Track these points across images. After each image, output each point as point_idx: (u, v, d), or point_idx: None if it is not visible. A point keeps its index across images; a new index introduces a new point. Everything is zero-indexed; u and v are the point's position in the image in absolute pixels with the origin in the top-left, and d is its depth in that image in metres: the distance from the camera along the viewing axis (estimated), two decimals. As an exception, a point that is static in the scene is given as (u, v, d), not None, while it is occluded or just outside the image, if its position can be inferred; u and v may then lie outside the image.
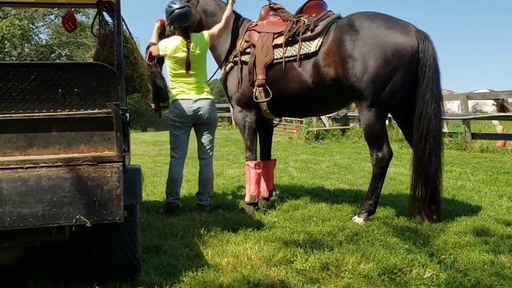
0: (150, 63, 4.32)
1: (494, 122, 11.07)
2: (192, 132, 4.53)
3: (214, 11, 4.63)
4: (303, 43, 4.00)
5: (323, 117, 14.66)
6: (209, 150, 4.50)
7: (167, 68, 4.40)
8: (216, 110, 4.54)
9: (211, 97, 4.45)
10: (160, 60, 4.53)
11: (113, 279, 2.53)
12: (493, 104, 10.38)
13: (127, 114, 2.72)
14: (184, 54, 4.27)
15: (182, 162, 4.47)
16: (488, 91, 10.02)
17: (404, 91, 3.71)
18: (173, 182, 4.36)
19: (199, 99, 4.31)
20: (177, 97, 4.32)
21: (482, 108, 10.63)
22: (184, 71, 4.30)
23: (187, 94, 4.31)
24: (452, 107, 11.31)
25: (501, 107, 10.23)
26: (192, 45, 4.31)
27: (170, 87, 4.41)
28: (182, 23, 4.31)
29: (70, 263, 2.92)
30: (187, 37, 4.31)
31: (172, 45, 4.30)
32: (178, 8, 4.25)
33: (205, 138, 4.47)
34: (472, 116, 9.98)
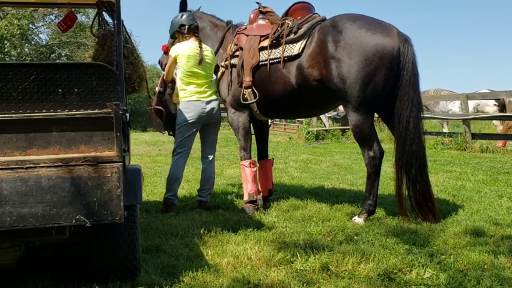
0: (161, 89, 4.58)
1: (495, 122, 11.07)
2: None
3: (202, 26, 4.84)
4: (287, 45, 4.08)
5: (322, 117, 14.67)
6: (214, 150, 4.68)
7: (178, 71, 4.48)
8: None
9: (218, 98, 4.63)
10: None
11: (113, 279, 2.53)
12: (495, 105, 10.38)
13: (127, 114, 2.72)
14: (197, 51, 4.42)
15: (185, 162, 4.55)
16: (489, 91, 10.02)
17: (387, 91, 3.75)
18: (174, 179, 4.44)
19: (211, 101, 4.46)
20: (190, 98, 4.41)
21: (484, 108, 10.64)
22: (197, 69, 4.41)
23: (200, 96, 4.42)
24: (453, 107, 11.32)
25: (502, 107, 10.24)
26: (203, 46, 4.51)
27: (180, 89, 4.50)
28: (194, 22, 4.55)
29: (70, 263, 2.92)
30: (199, 39, 4.52)
31: (185, 46, 4.45)
32: (186, 12, 4.63)
33: (212, 138, 4.65)
34: (472, 116, 9.98)
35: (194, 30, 4.54)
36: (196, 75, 4.42)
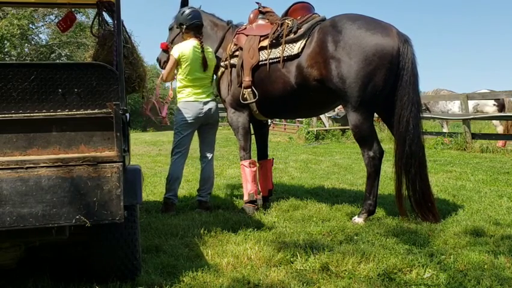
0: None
1: (495, 122, 11.08)
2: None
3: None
4: (286, 45, 4.08)
5: (322, 117, 14.68)
6: (212, 149, 4.68)
7: (178, 72, 4.50)
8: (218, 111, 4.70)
9: (215, 99, 4.64)
10: None
11: (113, 279, 2.53)
12: (494, 105, 10.38)
13: (127, 114, 2.72)
14: (200, 55, 4.40)
15: (184, 161, 4.57)
16: (489, 91, 10.02)
17: (386, 91, 3.75)
18: (174, 179, 4.46)
19: (208, 101, 4.48)
20: (188, 99, 4.44)
21: (483, 108, 10.64)
22: (199, 73, 4.43)
23: (198, 96, 4.44)
24: (453, 107, 11.32)
25: (502, 107, 10.24)
26: (205, 47, 4.49)
27: (179, 90, 4.52)
28: (195, 21, 4.46)
29: (70, 263, 2.92)
30: (200, 39, 4.47)
31: (187, 47, 4.41)
32: (189, 8, 4.57)
33: (210, 138, 4.65)
34: (472, 116, 9.98)
35: (194, 30, 4.47)
36: (197, 78, 4.43)
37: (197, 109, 4.41)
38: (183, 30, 4.50)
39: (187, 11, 4.51)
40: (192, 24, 4.46)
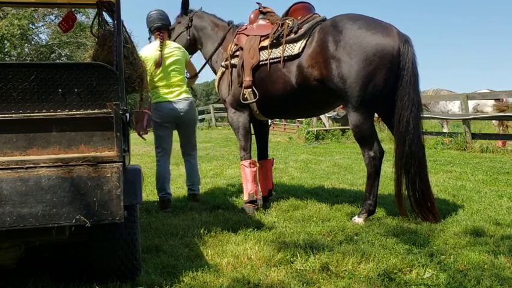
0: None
1: (495, 122, 11.07)
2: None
3: (203, 26, 4.92)
4: (287, 45, 4.09)
5: (322, 117, 14.68)
6: (193, 148, 4.74)
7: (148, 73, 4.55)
8: (195, 109, 4.70)
9: (190, 97, 4.64)
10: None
11: (113, 279, 2.53)
12: (494, 105, 10.38)
13: (127, 114, 2.72)
14: (158, 54, 4.47)
15: (168, 159, 4.64)
16: (489, 91, 10.02)
17: (387, 91, 3.75)
18: (162, 179, 4.53)
19: (179, 101, 4.50)
20: (158, 99, 4.49)
21: (483, 108, 10.64)
22: (160, 72, 4.47)
23: (166, 96, 4.48)
24: (453, 107, 11.32)
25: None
26: (166, 46, 4.53)
27: (150, 91, 4.58)
28: (154, 23, 4.62)
29: (70, 263, 2.92)
30: (161, 39, 4.55)
31: (149, 49, 4.53)
32: (153, 10, 4.73)
33: (188, 137, 4.70)
34: (472, 116, 9.98)
35: (155, 32, 4.59)
36: (161, 77, 4.47)
37: (166, 109, 4.44)
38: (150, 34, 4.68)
39: (150, 13, 4.66)
40: (151, 27, 4.62)
